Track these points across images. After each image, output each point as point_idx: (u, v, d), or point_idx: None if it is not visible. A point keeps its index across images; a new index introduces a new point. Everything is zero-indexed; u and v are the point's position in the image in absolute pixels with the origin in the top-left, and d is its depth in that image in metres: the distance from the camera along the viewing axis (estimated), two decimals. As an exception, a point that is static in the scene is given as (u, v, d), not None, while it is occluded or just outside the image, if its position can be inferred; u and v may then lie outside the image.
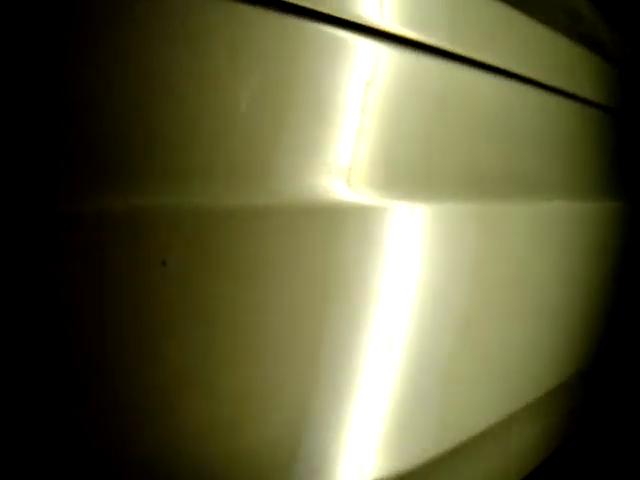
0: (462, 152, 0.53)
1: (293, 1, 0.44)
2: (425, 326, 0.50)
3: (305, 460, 0.45)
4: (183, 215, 0.39)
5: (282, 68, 0.44)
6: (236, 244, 0.41)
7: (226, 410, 0.42)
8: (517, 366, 0.65)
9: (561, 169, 0.69)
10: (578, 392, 0.91)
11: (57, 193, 0.35)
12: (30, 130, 0.35)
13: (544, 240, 0.65)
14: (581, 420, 0.95)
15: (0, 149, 0.34)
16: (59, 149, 0.36)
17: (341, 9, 0.46)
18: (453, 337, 0.53)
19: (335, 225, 0.46)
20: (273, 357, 0.43)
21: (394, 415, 0.49)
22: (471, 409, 0.58)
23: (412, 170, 0.50)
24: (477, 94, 0.56)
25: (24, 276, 0.34)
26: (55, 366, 0.35)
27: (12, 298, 0.34)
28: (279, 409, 0.44)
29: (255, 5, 0.43)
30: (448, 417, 0.54)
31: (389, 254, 0.47)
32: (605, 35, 0.77)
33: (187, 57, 0.40)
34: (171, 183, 0.39)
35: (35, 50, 0.35)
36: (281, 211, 0.44)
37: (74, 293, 0.36)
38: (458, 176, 0.53)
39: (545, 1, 0.64)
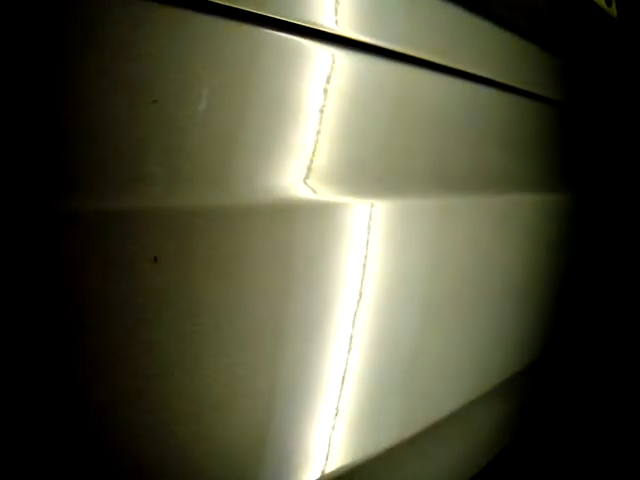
0: (419, 150, 0.56)
1: (251, 9, 0.46)
2: (387, 317, 0.52)
3: (273, 447, 0.46)
4: (146, 217, 0.41)
5: (241, 73, 0.46)
6: (199, 244, 0.43)
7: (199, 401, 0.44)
8: (480, 352, 0.68)
9: (515, 162, 0.71)
10: (537, 376, 0.93)
11: (55, 194, 0.37)
12: (24, 132, 0.36)
13: (502, 232, 0.68)
14: (542, 405, 0.98)
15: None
16: (57, 151, 0.37)
17: (297, 15, 0.49)
18: (416, 326, 0.55)
19: (295, 223, 0.48)
20: (239, 349, 0.45)
21: (359, 403, 0.51)
22: (436, 394, 0.60)
23: (370, 168, 0.52)
24: (432, 94, 0.58)
25: (19, 272, 0.36)
26: (49, 361, 0.37)
27: (8, 294, 0.36)
28: (245, 399, 0.46)
29: (215, 14, 0.45)
30: (413, 403, 0.56)
31: (349, 250, 0.50)
32: (551, 27, 0.79)
33: (148, 64, 0.42)
34: (132, 187, 0.41)
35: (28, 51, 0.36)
36: (242, 211, 0.45)
37: (71, 288, 0.37)
38: (415, 173, 0.55)
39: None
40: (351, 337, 0.51)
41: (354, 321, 0.51)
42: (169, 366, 0.41)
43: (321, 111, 0.50)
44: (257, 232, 0.46)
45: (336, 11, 0.51)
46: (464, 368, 0.65)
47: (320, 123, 0.50)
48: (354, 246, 0.51)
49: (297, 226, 0.48)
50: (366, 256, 0.51)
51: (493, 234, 0.65)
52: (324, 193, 0.50)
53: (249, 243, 0.45)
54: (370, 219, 0.51)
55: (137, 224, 0.40)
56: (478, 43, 0.66)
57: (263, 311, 0.46)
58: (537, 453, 1.00)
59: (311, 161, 0.49)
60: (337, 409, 0.50)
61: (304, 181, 0.49)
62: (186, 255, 0.42)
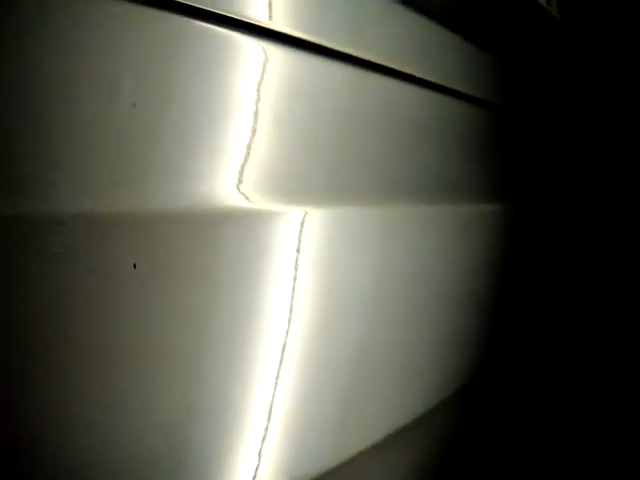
0: (356, 156, 0.53)
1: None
2: (320, 330, 0.50)
3: (195, 471, 0.44)
4: (71, 223, 0.38)
5: (166, 69, 0.43)
6: (125, 252, 0.40)
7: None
8: (418, 369, 0.67)
9: (453, 170, 0.70)
10: (483, 391, 0.91)
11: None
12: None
13: (440, 244, 0.66)
14: (488, 419, 0.96)
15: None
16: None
17: (228, 7, 0.45)
18: (349, 342, 0.53)
19: (226, 230, 0.45)
20: (165, 362, 0.42)
21: (288, 425, 0.49)
22: (376, 414, 0.58)
23: (305, 174, 0.50)
24: (371, 96, 0.56)
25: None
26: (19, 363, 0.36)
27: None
28: (171, 417, 0.43)
29: (139, 3, 0.41)
30: (347, 425, 0.55)
31: (281, 258, 0.47)
32: (488, 25, 0.78)
33: (63, 59, 0.38)
34: (49, 191, 0.37)
35: None
36: (171, 218, 0.42)
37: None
38: (352, 180, 0.53)
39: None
40: (283, 351, 0.48)
41: (286, 335, 0.48)
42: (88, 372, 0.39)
43: (255, 113, 0.47)
44: (187, 240, 0.43)
45: (270, 4, 0.47)
46: (401, 386, 0.63)
47: (253, 125, 0.47)
48: (287, 255, 0.48)
49: (228, 234, 0.45)
50: (299, 266, 0.48)
51: (430, 246, 0.64)
52: (257, 201, 0.47)
53: (178, 251, 0.42)
54: (303, 228, 0.48)
55: (60, 230, 0.37)
56: (414, 41, 0.64)
57: (191, 323, 0.43)
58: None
59: (243, 166, 0.46)
60: (263, 433, 0.47)
61: (237, 188, 0.46)
62: (112, 264, 0.39)
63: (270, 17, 0.47)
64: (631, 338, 1.08)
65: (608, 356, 1.09)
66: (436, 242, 0.66)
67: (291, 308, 0.48)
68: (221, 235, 0.45)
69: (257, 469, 0.47)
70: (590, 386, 1.08)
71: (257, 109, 0.47)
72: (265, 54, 0.48)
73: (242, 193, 0.46)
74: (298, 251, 0.48)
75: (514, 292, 0.94)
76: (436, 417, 0.72)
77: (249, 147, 0.46)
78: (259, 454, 0.47)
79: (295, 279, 0.48)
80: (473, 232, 0.76)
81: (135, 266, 0.40)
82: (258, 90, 0.47)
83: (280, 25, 0.48)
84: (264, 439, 0.47)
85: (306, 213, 0.48)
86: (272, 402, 0.47)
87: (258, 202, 0.47)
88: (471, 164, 0.76)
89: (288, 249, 0.47)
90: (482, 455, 0.94)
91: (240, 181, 0.46)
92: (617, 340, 1.09)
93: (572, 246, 1.09)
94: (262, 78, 0.47)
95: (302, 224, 0.48)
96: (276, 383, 0.48)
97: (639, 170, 1.08)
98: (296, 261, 0.48)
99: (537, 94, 0.97)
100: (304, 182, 0.49)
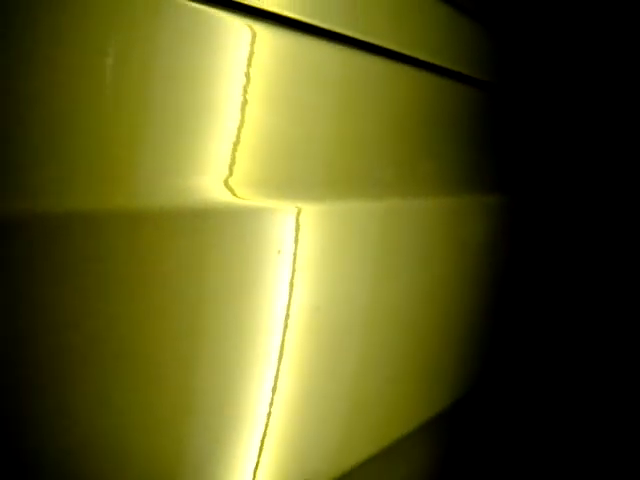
0: (353, 147, 0.50)
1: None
2: (317, 329, 0.48)
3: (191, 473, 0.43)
4: (55, 221, 0.36)
5: (152, 56, 0.39)
6: (112, 248, 0.38)
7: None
8: (421, 373, 0.64)
9: (445, 160, 0.66)
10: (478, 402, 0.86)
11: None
12: None
13: (435, 240, 0.62)
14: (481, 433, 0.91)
15: None
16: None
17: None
18: (348, 339, 0.51)
19: (213, 227, 0.42)
20: (149, 364, 0.40)
21: (286, 430, 0.47)
22: (373, 426, 0.56)
23: (298, 168, 0.46)
24: (369, 81, 0.52)
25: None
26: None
27: None
28: (161, 422, 0.41)
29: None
30: (347, 433, 0.53)
31: (274, 256, 0.45)
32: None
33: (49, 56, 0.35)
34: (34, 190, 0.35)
35: None
36: (157, 214, 0.40)
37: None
38: (348, 173, 0.50)
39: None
40: (281, 350, 0.46)
41: (283, 335, 0.46)
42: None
43: (243, 101, 0.43)
44: (173, 237, 0.40)
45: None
46: (403, 392, 0.61)
47: (242, 114, 0.43)
48: (281, 254, 0.45)
49: (216, 231, 0.43)
50: (293, 265, 0.46)
51: (425, 242, 0.61)
52: (246, 196, 0.44)
53: (165, 248, 0.40)
54: (297, 224, 0.46)
55: (46, 228, 0.36)
56: (410, 18, 0.60)
57: (180, 321, 0.41)
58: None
59: (232, 160, 0.43)
60: (255, 442, 0.46)
61: (224, 182, 0.43)
62: (98, 260, 0.37)
63: (260, -4, 0.44)
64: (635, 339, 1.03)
65: (612, 359, 1.03)
66: (437, 236, 0.63)
67: (286, 308, 0.45)
68: (208, 232, 0.42)
69: (255, 474, 0.46)
70: (593, 391, 1.03)
71: (246, 98, 0.44)
72: (254, 36, 0.44)
73: (230, 188, 0.43)
74: (291, 249, 0.45)
75: (517, 290, 0.89)
76: (439, 424, 0.71)
77: (237, 138, 0.43)
78: (257, 460, 0.46)
79: (289, 278, 0.45)
80: (474, 226, 0.72)
81: (123, 263, 0.38)
82: (247, 76, 0.44)
83: (271, 4, 0.45)
84: (262, 443, 0.45)
85: (300, 209, 0.45)
86: (270, 404, 0.46)
87: (247, 197, 0.44)
88: (472, 154, 0.72)
89: (281, 247, 0.45)
90: (483, 463, 0.92)
91: (228, 175, 0.43)
92: (620, 341, 1.04)
93: (576, 242, 1.03)
94: (251, 63, 0.44)
95: (295, 220, 0.45)
96: (274, 384, 0.46)
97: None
98: (289, 259, 0.45)
99: (536, 70, 0.90)
100: (297, 176, 0.46)
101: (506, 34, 0.79)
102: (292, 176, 0.46)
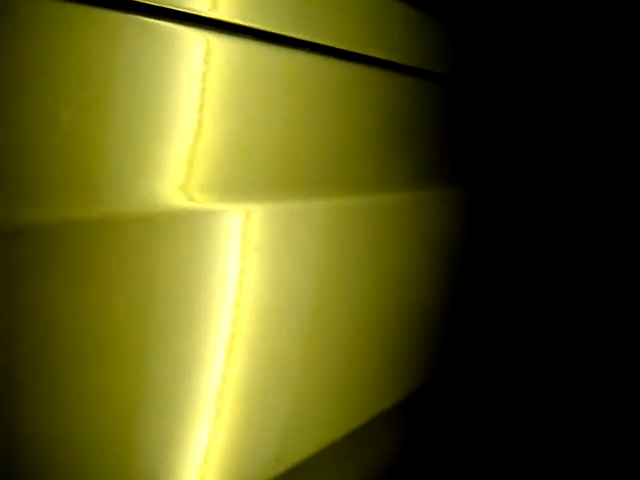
0: (303, 148, 0.53)
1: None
2: (266, 329, 0.51)
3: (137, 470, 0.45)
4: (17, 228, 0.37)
5: (106, 68, 0.41)
6: (65, 257, 0.39)
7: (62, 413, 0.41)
8: (370, 370, 0.65)
9: (400, 155, 0.67)
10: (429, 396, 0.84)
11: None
12: None
13: (389, 237, 0.64)
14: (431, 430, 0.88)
15: None
16: None
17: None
18: (297, 339, 0.54)
19: (169, 232, 0.45)
20: (100, 369, 0.42)
21: (234, 426, 0.50)
22: (318, 422, 0.58)
23: (249, 171, 0.49)
24: (322, 84, 0.55)
25: None
26: None
27: None
28: (107, 420, 0.43)
29: (73, 1, 0.39)
30: (296, 428, 0.55)
31: (226, 257, 0.47)
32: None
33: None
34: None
35: None
36: (114, 220, 0.41)
37: None
38: (299, 174, 0.53)
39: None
40: (230, 350, 0.49)
41: (231, 335, 0.49)
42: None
43: (198, 108, 0.45)
44: (126, 243, 0.42)
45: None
46: (350, 388, 0.63)
47: (196, 121, 0.46)
48: (231, 255, 0.48)
49: (171, 235, 0.45)
50: (244, 268, 0.48)
51: (380, 239, 0.63)
52: (201, 200, 0.46)
53: (121, 255, 0.42)
54: (247, 226, 0.48)
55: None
56: (362, 17, 0.62)
57: (134, 324, 0.43)
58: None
59: (186, 165, 0.45)
60: (202, 439, 0.48)
61: (180, 187, 0.45)
62: (53, 269, 0.38)
63: (213, 6, 0.45)
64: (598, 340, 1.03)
65: (568, 345, 1.04)
66: (390, 234, 0.65)
67: (236, 307, 0.48)
68: (164, 236, 0.44)
69: (203, 471, 0.49)
70: (552, 379, 1.03)
71: (200, 105, 0.46)
72: (208, 45, 0.46)
73: (186, 192, 0.45)
74: (242, 250, 0.48)
75: (472, 286, 0.88)
76: (396, 416, 0.71)
77: (193, 144, 0.46)
78: (204, 457, 0.48)
79: (240, 278, 0.48)
80: (429, 222, 0.73)
81: (79, 270, 0.40)
82: (201, 84, 0.46)
83: (223, 14, 0.46)
84: (209, 440, 0.48)
85: (249, 211, 0.48)
86: (217, 403, 0.48)
87: (202, 201, 0.46)
88: (426, 148, 0.73)
89: (232, 248, 0.48)
90: (444, 455, 0.89)
91: (183, 180, 0.45)
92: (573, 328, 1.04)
93: (538, 235, 1.01)
94: (205, 71, 0.46)
95: (245, 222, 0.48)
96: (221, 384, 0.48)
97: (604, 157, 1.02)
98: (240, 260, 0.48)
99: (492, 61, 0.88)
100: (248, 179, 0.49)
101: (462, 25, 0.80)
102: (245, 179, 0.49)
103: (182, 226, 0.45)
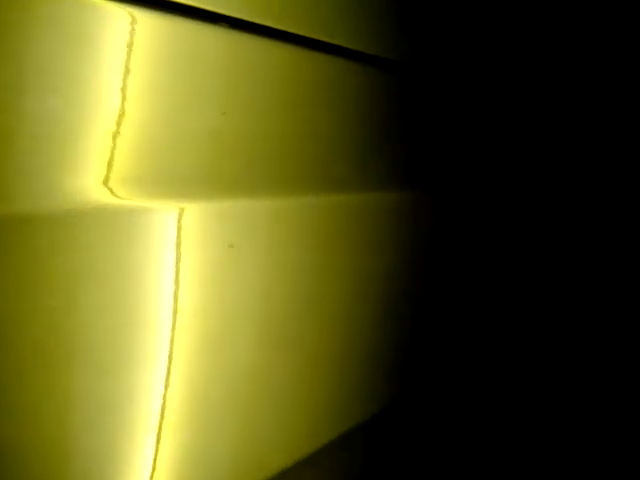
0: (240, 142, 0.48)
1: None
2: (206, 336, 0.47)
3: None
4: None
5: (21, 48, 0.36)
6: None
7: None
8: (323, 386, 0.59)
9: (363, 156, 0.62)
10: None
11: None
12: None
13: (336, 241, 0.59)
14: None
15: None
16: None
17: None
18: (239, 348, 0.49)
19: (92, 229, 0.40)
20: (30, 376, 0.38)
21: (179, 438, 0.46)
22: (275, 442, 0.54)
23: (181, 165, 0.45)
24: (259, 66, 0.50)
25: None
26: None
27: None
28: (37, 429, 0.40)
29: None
30: (244, 452, 0.51)
31: (157, 258, 0.43)
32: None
33: None
34: None
35: None
36: (29, 217, 0.37)
37: None
38: (235, 170, 0.48)
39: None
40: (170, 356, 0.45)
41: (170, 341, 0.45)
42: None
43: (122, 96, 0.41)
44: (47, 240, 0.38)
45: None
46: (304, 414, 0.58)
47: (120, 109, 0.41)
48: (164, 255, 0.44)
49: (95, 233, 0.41)
50: (178, 267, 0.44)
51: (330, 241, 0.58)
52: (125, 196, 0.42)
53: (43, 253, 0.38)
54: (180, 225, 0.44)
55: None
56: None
57: (60, 322, 0.39)
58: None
59: (110, 158, 0.41)
60: (149, 451, 0.44)
61: (103, 182, 0.41)
62: None
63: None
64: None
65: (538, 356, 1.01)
66: (337, 237, 0.59)
67: (174, 311, 0.44)
68: (87, 234, 0.40)
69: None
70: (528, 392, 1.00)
71: (124, 91, 0.41)
72: (132, 22, 0.41)
73: (109, 187, 0.41)
74: (175, 250, 0.44)
75: (436, 291, 0.81)
76: (357, 438, 0.65)
77: (116, 134, 0.41)
78: (153, 464, 0.44)
79: (174, 280, 0.44)
80: (380, 225, 0.66)
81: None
82: (126, 68, 0.41)
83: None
84: (157, 446, 0.44)
85: (182, 209, 0.43)
86: (162, 409, 0.44)
87: (127, 197, 0.42)
88: (377, 145, 0.66)
89: (164, 248, 0.43)
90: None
91: (107, 174, 0.41)
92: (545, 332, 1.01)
93: (498, 237, 0.93)
94: (130, 53, 0.41)
95: (178, 220, 0.43)
96: (165, 387, 0.44)
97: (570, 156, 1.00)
98: (173, 261, 0.44)
99: (453, 47, 0.79)
100: (180, 174, 0.44)
101: (419, 10, 0.75)
102: (175, 174, 0.44)
103: (107, 224, 0.41)
